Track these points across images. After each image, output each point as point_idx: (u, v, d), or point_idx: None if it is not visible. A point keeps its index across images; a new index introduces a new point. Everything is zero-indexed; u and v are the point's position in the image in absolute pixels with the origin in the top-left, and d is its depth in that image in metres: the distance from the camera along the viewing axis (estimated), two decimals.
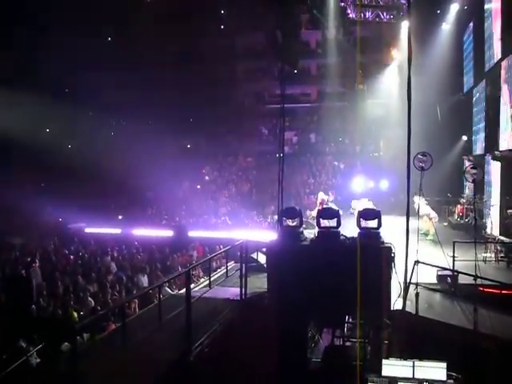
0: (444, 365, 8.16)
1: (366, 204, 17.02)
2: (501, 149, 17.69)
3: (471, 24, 23.31)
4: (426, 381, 8.08)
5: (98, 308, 12.09)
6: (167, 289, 13.32)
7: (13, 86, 27.72)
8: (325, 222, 10.97)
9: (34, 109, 29.28)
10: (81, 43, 31.49)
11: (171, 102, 35.60)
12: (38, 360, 8.32)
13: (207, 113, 35.44)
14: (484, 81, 20.91)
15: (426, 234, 16.61)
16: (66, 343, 6.85)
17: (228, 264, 12.65)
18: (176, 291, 13.00)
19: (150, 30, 34.32)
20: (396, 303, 9.82)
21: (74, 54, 31.41)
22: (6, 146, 30.90)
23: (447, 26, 26.06)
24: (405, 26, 25.03)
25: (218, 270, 13.64)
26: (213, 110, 35.31)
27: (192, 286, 10.08)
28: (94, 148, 32.57)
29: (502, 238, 15.55)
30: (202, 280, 13.66)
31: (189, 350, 7.50)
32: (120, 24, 35.31)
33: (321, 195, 19.08)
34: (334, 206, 17.07)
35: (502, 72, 17.86)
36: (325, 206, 17.50)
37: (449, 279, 11.14)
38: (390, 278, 9.77)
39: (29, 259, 18.34)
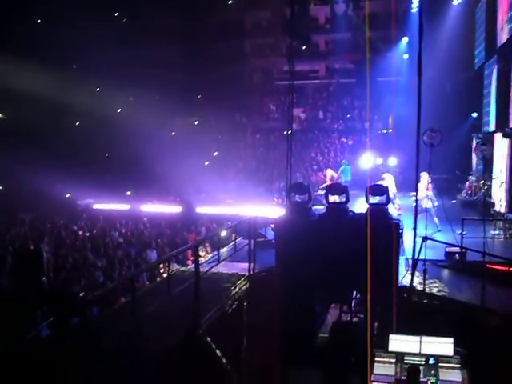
0: (451, 340, 8.17)
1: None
2: (511, 126, 17.54)
3: None
4: (433, 356, 8.12)
5: (108, 282, 12.20)
6: (175, 264, 13.40)
7: (19, 61, 27.71)
8: (333, 198, 10.96)
9: (41, 85, 29.23)
10: (90, 20, 31.35)
11: (179, 78, 35.48)
12: (48, 332, 8.43)
13: (215, 89, 35.29)
14: (495, 57, 20.66)
15: None
16: (76, 316, 6.92)
17: (236, 239, 12.71)
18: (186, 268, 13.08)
19: (157, 6, 34.13)
20: (404, 279, 9.87)
21: (83, 31, 31.27)
22: (16, 124, 31.02)
23: (459, 0, 25.68)
24: (416, 0, 24.70)
25: (227, 245, 13.69)
26: (221, 86, 35.14)
27: (201, 260, 10.14)
28: (101, 125, 32.57)
29: (510, 215, 15.51)
30: (211, 255, 13.72)
31: (198, 323, 7.57)
32: (128, 2, 35.14)
33: (329, 172, 19.08)
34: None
35: None
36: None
37: (457, 256, 11.16)
38: (398, 253, 9.80)
39: (38, 234, 18.52)
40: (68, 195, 27.28)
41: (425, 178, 13.98)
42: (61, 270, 13.95)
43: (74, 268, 14.14)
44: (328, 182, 18.07)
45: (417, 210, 10.44)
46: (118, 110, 37.18)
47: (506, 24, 18.65)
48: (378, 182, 17.59)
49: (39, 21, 31.71)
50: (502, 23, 19.26)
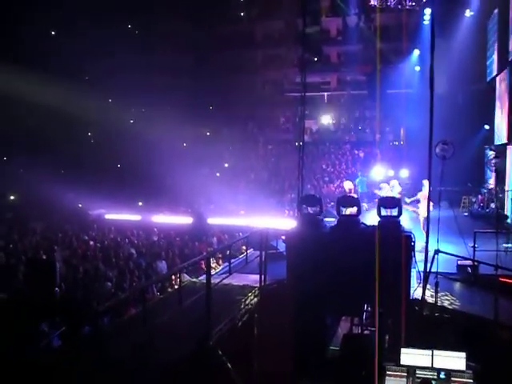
0: (463, 355, 8.10)
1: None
2: None
3: (496, 11, 22.90)
4: (445, 370, 8.05)
5: (119, 293, 12.21)
6: (185, 275, 13.38)
7: (32, 73, 27.98)
8: (345, 210, 10.95)
9: (54, 96, 29.49)
10: (100, 30, 31.65)
11: (191, 89, 35.66)
12: (60, 342, 8.45)
13: (227, 100, 35.44)
14: (507, 69, 20.60)
15: None
16: (87, 327, 6.95)
17: (248, 251, 12.70)
18: (195, 278, 13.07)
19: (170, 16, 34.39)
20: (415, 292, 9.80)
21: (94, 41, 31.57)
22: (27, 133, 31.31)
23: (471, 12, 25.68)
24: (427, 12, 24.74)
25: (238, 257, 13.68)
26: (232, 97, 35.30)
27: (212, 272, 10.14)
28: (113, 135, 32.79)
29: None
30: (222, 266, 13.73)
31: (209, 335, 7.56)
32: (140, 10, 35.40)
33: (347, 184, 19.24)
34: None
35: None
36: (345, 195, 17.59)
37: (469, 269, 11.07)
38: (410, 266, 9.75)
39: (50, 244, 18.60)
40: (80, 205, 27.43)
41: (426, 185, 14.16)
42: (72, 280, 14.00)
43: (85, 278, 14.18)
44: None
45: (429, 222, 10.37)
46: (131, 121, 37.45)
47: None
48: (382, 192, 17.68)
49: (51, 31, 32.04)
50: None
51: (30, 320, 8.78)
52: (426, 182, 14.41)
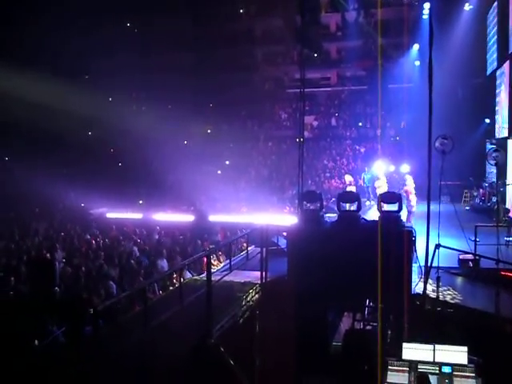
0: (465, 349, 8.09)
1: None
2: None
3: (495, 4, 22.84)
4: (447, 364, 8.04)
5: (121, 292, 12.21)
6: (188, 272, 13.38)
7: (33, 72, 27.96)
8: (345, 206, 10.96)
9: (55, 95, 29.47)
10: (101, 28, 31.63)
11: (191, 86, 35.63)
12: (63, 340, 8.46)
13: (227, 97, 35.41)
14: (508, 62, 20.55)
15: None
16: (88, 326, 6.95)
17: (248, 248, 12.70)
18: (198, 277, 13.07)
19: (169, 14, 34.34)
20: (417, 287, 9.80)
21: (95, 39, 31.55)
22: (29, 133, 31.33)
23: (470, 6, 25.62)
24: (427, 7, 24.68)
25: (239, 254, 13.67)
26: (233, 94, 35.26)
27: (214, 269, 10.15)
28: (114, 134, 32.78)
29: None
30: (223, 263, 13.72)
31: (210, 332, 7.56)
32: (140, 8, 35.36)
33: (347, 177, 19.54)
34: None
35: None
36: (347, 190, 17.73)
37: (470, 263, 11.08)
38: (411, 261, 9.74)
39: (52, 244, 18.59)
40: (83, 204, 27.42)
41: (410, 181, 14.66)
42: (74, 279, 13.98)
43: (87, 277, 14.16)
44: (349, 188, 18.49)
45: (429, 217, 10.35)
46: (132, 119, 37.40)
47: None
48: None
49: (51, 30, 32.00)
50: None
51: (33, 320, 8.80)
52: (408, 177, 14.98)
